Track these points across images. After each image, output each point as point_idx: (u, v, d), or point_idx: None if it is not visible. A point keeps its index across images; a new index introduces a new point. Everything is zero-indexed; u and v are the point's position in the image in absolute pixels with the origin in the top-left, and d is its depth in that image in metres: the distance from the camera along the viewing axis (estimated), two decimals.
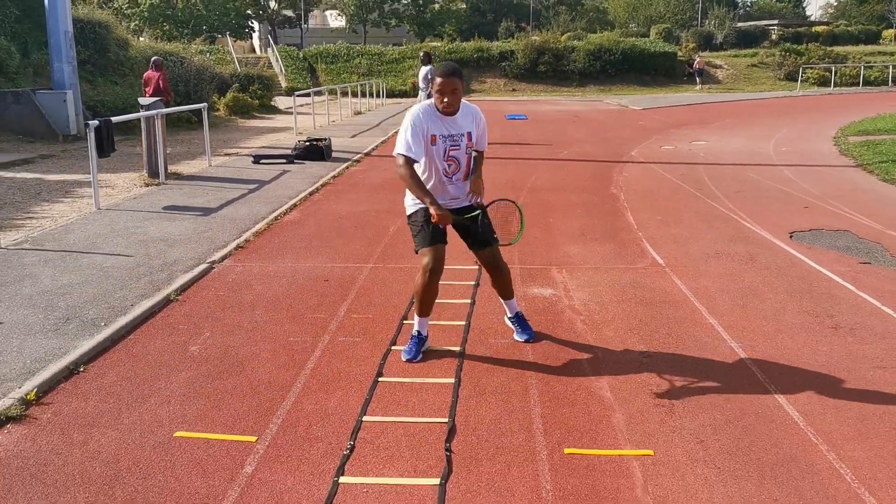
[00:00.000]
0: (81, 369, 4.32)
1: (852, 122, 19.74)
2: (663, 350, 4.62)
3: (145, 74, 16.13)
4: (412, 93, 38.52)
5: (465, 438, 3.52)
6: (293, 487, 3.15)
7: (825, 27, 56.03)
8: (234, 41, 49.69)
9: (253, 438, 3.54)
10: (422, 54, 15.57)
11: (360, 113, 25.34)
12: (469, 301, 5.56)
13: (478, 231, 4.40)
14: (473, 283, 5.98)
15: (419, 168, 4.31)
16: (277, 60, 40.36)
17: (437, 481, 3.17)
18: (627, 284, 6.00)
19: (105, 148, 9.23)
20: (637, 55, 42.45)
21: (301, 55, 42.85)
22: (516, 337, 4.76)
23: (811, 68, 41.06)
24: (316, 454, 3.40)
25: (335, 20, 74.60)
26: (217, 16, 58.61)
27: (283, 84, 35.92)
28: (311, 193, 10.04)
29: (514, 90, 40.87)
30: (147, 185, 10.47)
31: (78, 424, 3.68)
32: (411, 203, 4.46)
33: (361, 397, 3.98)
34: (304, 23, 68.65)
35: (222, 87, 23.97)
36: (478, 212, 4.35)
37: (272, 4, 64.91)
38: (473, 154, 4.44)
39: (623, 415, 3.78)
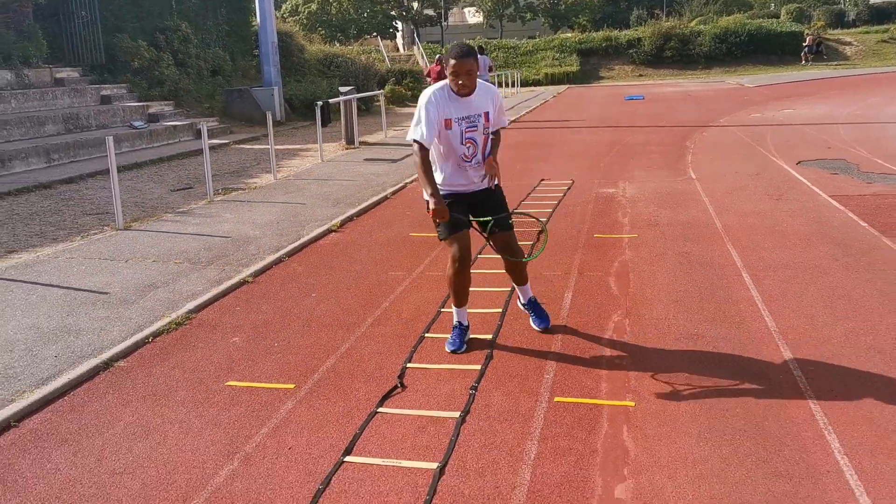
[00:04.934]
0: (353, 219, 8.43)
1: None
2: (668, 210, 8.21)
3: (430, 68, 21.13)
4: (545, 81, 42.10)
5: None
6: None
7: None
8: (382, 40, 54.93)
9: None
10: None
11: None
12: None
13: (494, 213, 4.43)
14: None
15: (439, 152, 4.36)
16: (423, 57, 44.96)
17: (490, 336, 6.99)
18: (663, 187, 9.55)
19: (325, 120, 13.58)
20: (763, 36, 43.99)
21: (441, 52, 47.27)
22: (533, 325, 4.77)
23: None
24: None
25: (473, 17, 78.97)
26: (366, 18, 64.47)
27: (429, 79, 40.36)
28: None
29: (640, 76, 43.53)
30: (346, 148, 14.81)
31: (363, 232, 7.76)
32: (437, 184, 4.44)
33: None
34: (444, 20, 73.44)
35: (380, 82, 28.59)
36: (490, 219, 4.38)
37: (415, 5, 70.14)
38: (490, 134, 4.39)
39: (630, 227, 7.46)
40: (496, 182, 4.38)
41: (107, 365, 4.47)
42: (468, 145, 4.30)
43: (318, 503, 3.04)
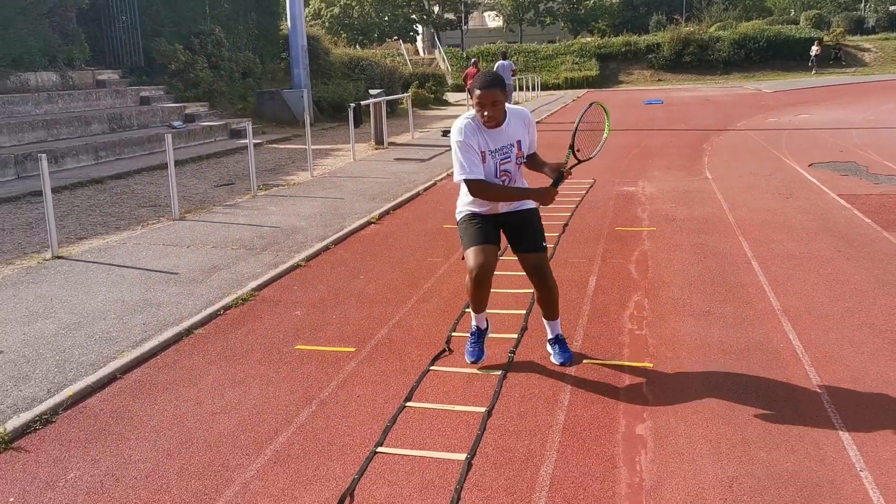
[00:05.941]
0: (390, 212, 9.05)
1: None
2: (684, 206, 8.77)
3: (467, 71, 22.69)
4: (564, 85, 42.64)
5: (576, 223, 7.89)
6: None
7: None
8: (403, 44, 55.73)
9: None
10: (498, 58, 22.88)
11: (518, 103, 29.80)
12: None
13: (526, 233, 4.24)
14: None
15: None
16: (444, 61, 45.67)
17: (523, 311, 7.57)
18: (680, 186, 10.11)
19: (357, 121, 14.22)
20: (782, 42, 44.35)
21: (465, 55, 47.93)
22: (553, 360, 4.41)
23: None
24: None
25: (493, 21, 79.57)
26: (387, 21, 65.31)
27: (450, 81, 41.03)
28: None
29: (659, 80, 43.99)
30: (376, 149, 15.45)
31: (400, 224, 8.37)
32: (461, 207, 4.37)
33: None
34: (465, 24, 74.09)
35: (404, 85, 29.28)
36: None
37: (436, 9, 70.86)
38: (523, 161, 4.20)
39: (648, 221, 8.02)
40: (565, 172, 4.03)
41: (188, 332, 5.11)
42: (503, 178, 4.14)
43: (387, 436, 3.64)
